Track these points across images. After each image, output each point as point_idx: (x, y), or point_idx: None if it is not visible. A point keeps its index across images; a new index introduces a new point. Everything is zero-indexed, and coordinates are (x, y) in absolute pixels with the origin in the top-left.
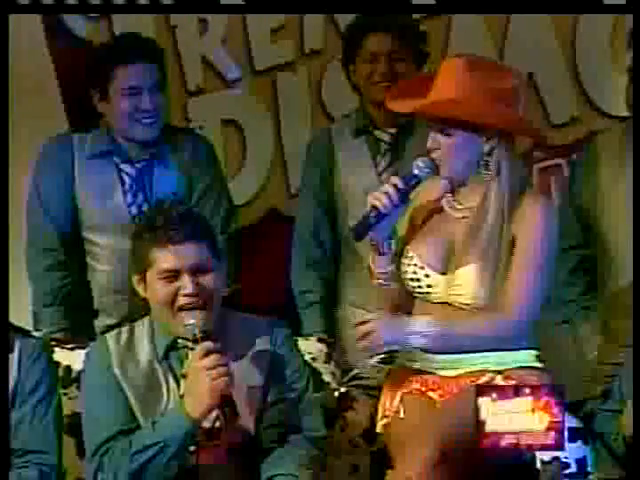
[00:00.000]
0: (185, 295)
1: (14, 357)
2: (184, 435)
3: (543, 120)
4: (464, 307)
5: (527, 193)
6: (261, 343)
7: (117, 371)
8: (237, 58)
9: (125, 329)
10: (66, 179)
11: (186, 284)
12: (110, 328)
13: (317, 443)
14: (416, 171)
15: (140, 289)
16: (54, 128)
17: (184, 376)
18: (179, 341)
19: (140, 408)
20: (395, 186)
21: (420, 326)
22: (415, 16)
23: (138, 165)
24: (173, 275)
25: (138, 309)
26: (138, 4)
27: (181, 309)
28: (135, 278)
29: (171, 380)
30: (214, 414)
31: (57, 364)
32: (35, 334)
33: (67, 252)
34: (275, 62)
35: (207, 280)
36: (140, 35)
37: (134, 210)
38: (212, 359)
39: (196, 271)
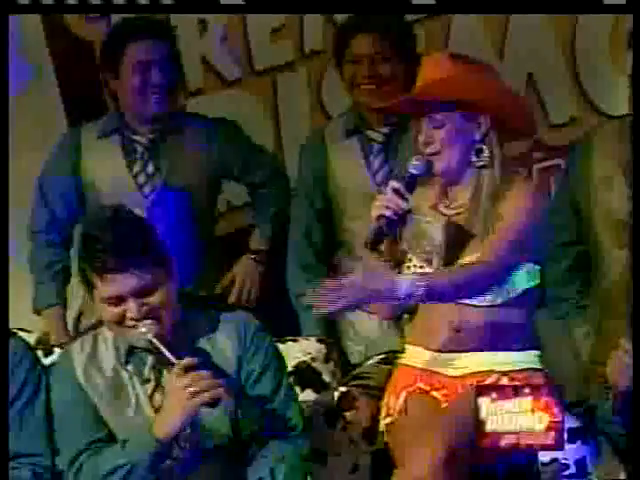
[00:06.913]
0: (132, 319)
1: None
2: (152, 456)
3: (543, 120)
4: (473, 304)
5: (516, 178)
6: (229, 341)
7: (82, 381)
8: (237, 58)
9: (88, 337)
10: (70, 163)
11: (131, 309)
12: None
13: (296, 439)
14: (412, 170)
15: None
16: (54, 127)
17: (148, 380)
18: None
19: (109, 415)
20: (396, 190)
21: (407, 286)
22: (410, 17)
23: (151, 135)
24: (117, 300)
25: None
26: (138, 4)
27: (130, 326)
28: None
29: (137, 383)
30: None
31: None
32: (21, 335)
33: (65, 234)
34: (275, 62)
35: (154, 298)
36: (153, 16)
37: (141, 179)
38: (189, 377)
39: (141, 294)
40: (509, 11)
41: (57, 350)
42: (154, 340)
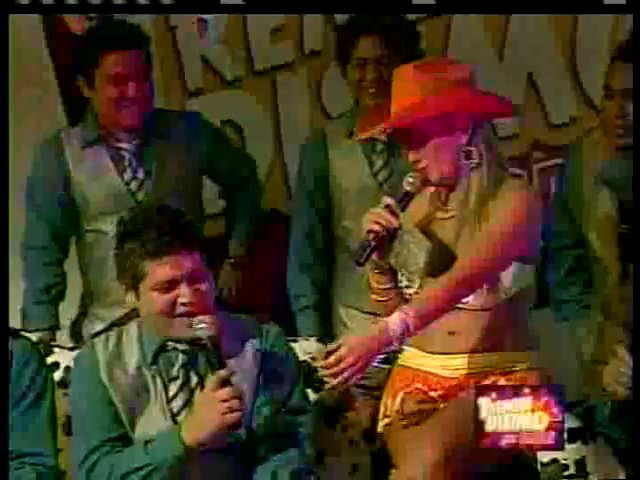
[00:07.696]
0: (184, 304)
1: None
2: (175, 460)
3: (543, 120)
4: (468, 307)
5: (508, 177)
6: (250, 343)
7: (105, 379)
8: (237, 58)
9: (114, 333)
10: (59, 175)
11: (184, 293)
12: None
13: (309, 442)
14: (408, 187)
15: (129, 297)
16: (54, 128)
17: (172, 379)
18: (169, 343)
19: (127, 414)
20: (388, 207)
21: (397, 325)
22: (412, 17)
23: (135, 142)
24: (170, 285)
25: None
26: (138, 4)
27: (180, 316)
28: (123, 287)
29: (159, 384)
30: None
31: (57, 364)
32: (26, 335)
33: (63, 250)
34: (275, 62)
35: (204, 287)
36: (125, 21)
37: (134, 186)
38: (227, 391)
39: (193, 279)
40: (509, 11)
41: (57, 350)
42: (211, 338)
